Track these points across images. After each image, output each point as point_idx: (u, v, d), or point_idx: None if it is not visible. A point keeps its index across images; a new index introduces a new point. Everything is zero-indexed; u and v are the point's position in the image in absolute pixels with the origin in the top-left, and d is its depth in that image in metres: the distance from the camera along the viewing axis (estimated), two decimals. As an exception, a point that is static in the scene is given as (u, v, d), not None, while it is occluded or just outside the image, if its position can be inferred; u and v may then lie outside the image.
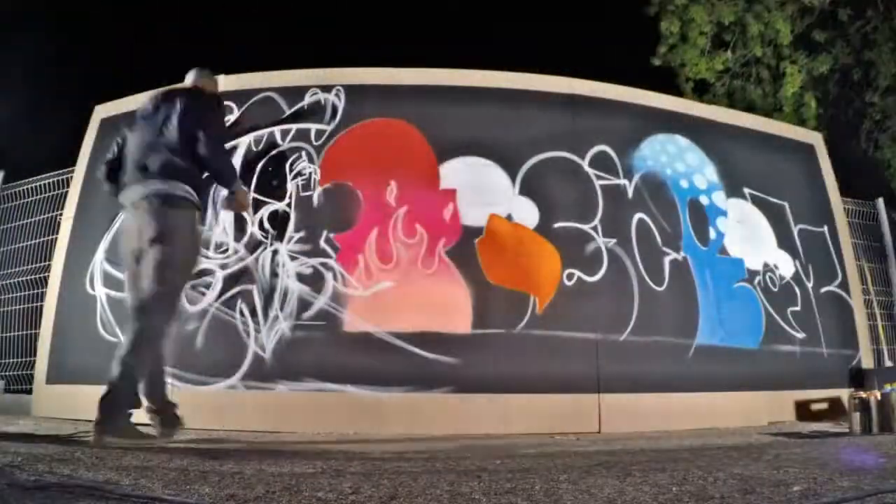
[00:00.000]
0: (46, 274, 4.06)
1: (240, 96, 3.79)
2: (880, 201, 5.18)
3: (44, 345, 3.78)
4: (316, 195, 3.56)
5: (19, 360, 4.19)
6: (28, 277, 4.29)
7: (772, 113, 7.56)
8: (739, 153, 4.27)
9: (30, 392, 3.83)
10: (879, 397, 2.91)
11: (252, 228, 3.55)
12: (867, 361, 4.17)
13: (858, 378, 3.96)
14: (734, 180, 4.18)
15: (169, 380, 2.83)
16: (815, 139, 4.69)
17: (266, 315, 3.37)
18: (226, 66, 3.92)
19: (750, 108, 7.67)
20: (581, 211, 3.66)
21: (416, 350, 3.29)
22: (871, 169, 8.00)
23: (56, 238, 4.04)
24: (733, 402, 3.63)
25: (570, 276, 3.52)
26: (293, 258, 3.44)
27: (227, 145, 3.63)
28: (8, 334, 4.33)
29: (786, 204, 4.30)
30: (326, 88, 3.73)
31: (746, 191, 4.20)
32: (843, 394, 3.51)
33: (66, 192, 4.14)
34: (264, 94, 3.78)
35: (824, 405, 3.85)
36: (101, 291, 3.68)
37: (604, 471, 1.75)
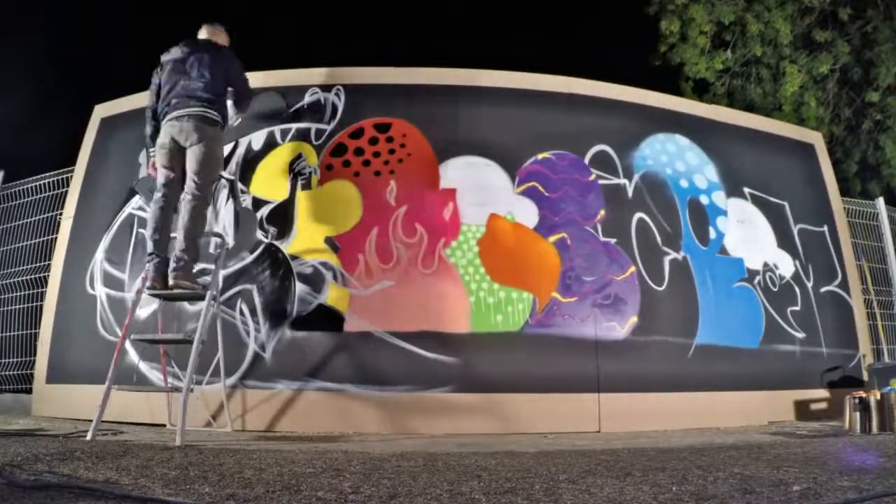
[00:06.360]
0: (46, 273, 4.06)
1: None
2: (880, 201, 5.18)
3: (44, 345, 3.78)
4: (316, 195, 3.56)
5: (19, 359, 4.19)
6: (28, 277, 4.28)
7: (772, 112, 7.56)
8: (739, 153, 4.27)
9: (30, 392, 3.83)
10: (879, 397, 2.91)
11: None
12: (867, 361, 4.16)
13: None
14: (734, 180, 4.18)
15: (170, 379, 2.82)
16: (816, 139, 4.69)
17: (266, 315, 3.37)
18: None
19: (750, 107, 7.66)
20: (581, 210, 3.66)
21: (416, 350, 3.29)
22: (871, 168, 8.00)
23: (56, 238, 4.04)
24: (733, 402, 3.63)
25: (569, 276, 3.52)
26: (293, 258, 3.44)
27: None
28: (8, 334, 4.33)
29: (786, 204, 4.30)
30: (326, 88, 3.73)
31: (746, 190, 4.20)
32: (843, 393, 3.51)
33: (66, 191, 4.15)
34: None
35: (824, 405, 3.85)
36: (100, 291, 3.68)
37: (604, 471, 1.75)
